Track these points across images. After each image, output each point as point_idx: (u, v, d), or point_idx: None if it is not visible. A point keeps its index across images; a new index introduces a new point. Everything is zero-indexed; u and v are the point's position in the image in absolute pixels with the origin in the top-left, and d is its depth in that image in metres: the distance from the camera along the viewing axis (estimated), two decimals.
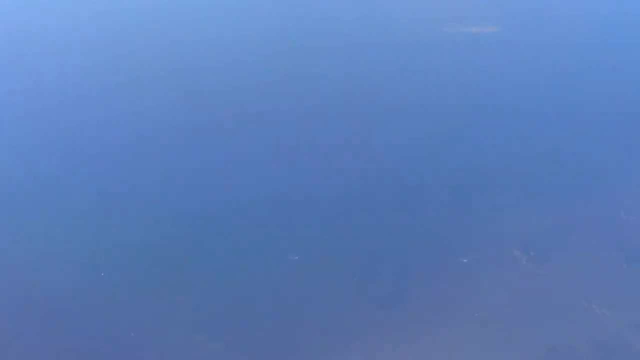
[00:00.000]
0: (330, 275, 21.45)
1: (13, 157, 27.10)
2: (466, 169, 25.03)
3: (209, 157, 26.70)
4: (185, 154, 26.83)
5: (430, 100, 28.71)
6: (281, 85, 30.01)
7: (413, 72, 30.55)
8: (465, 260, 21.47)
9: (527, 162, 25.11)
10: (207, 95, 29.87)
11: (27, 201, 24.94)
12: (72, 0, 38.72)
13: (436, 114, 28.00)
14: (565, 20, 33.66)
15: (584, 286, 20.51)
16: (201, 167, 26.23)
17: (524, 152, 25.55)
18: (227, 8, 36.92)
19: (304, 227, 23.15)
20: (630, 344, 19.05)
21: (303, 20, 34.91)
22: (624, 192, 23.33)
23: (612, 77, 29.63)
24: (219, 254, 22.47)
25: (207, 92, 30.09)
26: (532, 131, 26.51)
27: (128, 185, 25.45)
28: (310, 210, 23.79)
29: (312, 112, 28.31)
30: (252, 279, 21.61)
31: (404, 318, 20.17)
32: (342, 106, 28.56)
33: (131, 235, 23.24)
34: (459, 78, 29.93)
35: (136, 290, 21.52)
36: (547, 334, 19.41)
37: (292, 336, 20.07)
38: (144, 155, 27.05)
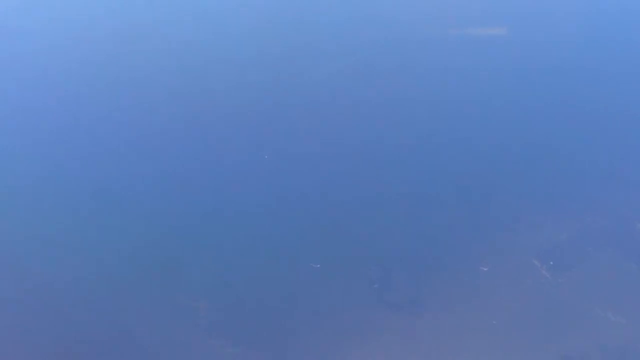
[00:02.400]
0: (349, 282, 21.60)
1: (12, 156, 26.97)
2: (486, 176, 25.16)
3: (227, 160, 26.55)
4: (201, 155, 26.70)
5: (445, 105, 28.62)
6: (288, 85, 29.83)
7: (417, 72, 30.36)
8: (485, 269, 21.88)
9: (545, 171, 25.28)
10: (215, 91, 29.63)
11: (29, 200, 24.96)
12: None
13: (452, 117, 27.97)
14: (573, 20, 33.45)
15: (601, 295, 20.87)
16: (220, 171, 26.09)
17: (542, 161, 25.69)
18: (226, 6, 36.54)
19: (323, 234, 23.25)
20: None
21: (306, 19, 34.57)
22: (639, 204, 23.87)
23: (629, 80, 29.47)
24: (238, 259, 22.53)
25: (214, 88, 29.79)
26: (548, 140, 26.54)
27: (146, 184, 25.39)
28: (329, 216, 23.87)
29: (319, 116, 28.17)
30: (270, 284, 21.73)
31: (424, 325, 20.41)
32: (351, 108, 28.40)
33: (148, 236, 23.20)
34: (471, 80, 29.77)
35: (152, 293, 21.54)
36: (562, 341, 19.75)
37: (311, 342, 20.21)
38: (160, 153, 26.91)
